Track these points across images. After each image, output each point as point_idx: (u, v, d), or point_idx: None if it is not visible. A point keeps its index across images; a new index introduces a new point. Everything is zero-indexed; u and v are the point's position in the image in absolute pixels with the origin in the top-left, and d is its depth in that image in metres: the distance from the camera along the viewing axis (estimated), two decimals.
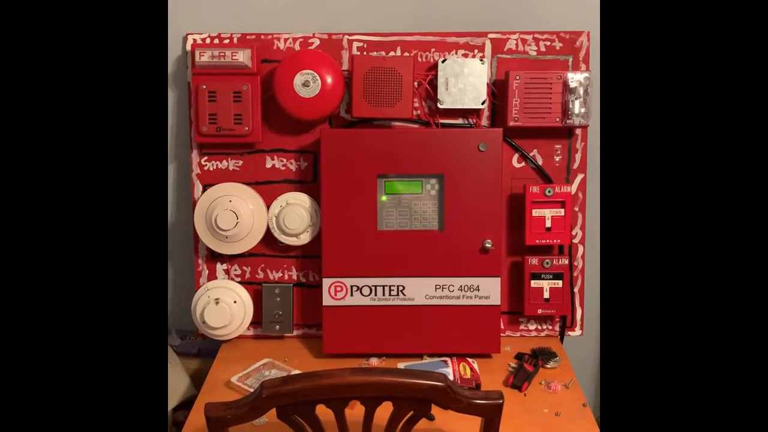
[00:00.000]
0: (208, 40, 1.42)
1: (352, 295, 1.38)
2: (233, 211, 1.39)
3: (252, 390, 1.16)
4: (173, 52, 1.46)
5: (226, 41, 1.42)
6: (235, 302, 1.43)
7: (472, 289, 1.38)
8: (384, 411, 0.97)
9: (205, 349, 1.54)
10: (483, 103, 1.39)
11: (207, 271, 1.49)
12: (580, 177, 1.45)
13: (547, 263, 1.42)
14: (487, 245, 1.36)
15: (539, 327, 1.49)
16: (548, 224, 1.40)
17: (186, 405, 1.44)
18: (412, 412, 0.98)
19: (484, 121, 1.44)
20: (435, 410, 1.09)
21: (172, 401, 1.43)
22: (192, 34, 1.43)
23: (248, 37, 1.42)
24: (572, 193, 1.43)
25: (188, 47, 1.42)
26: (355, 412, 0.99)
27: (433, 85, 1.40)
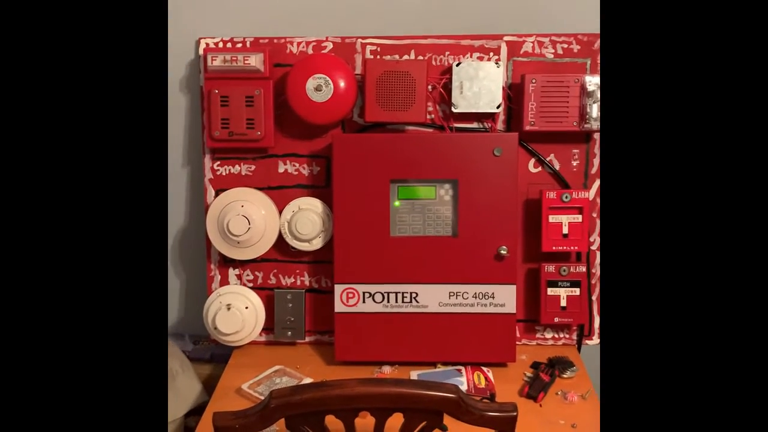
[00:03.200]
0: (220, 45, 1.41)
1: (364, 301, 1.36)
2: (245, 217, 1.38)
3: (262, 398, 1.15)
4: (186, 56, 1.45)
5: (239, 45, 1.41)
6: (246, 308, 1.42)
7: (486, 297, 1.35)
8: (396, 421, 0.96)
9: (218, 355, 1.54)
10: (498, 107, 1.36)
11: (219, 277, 1.48)
12: (598, 182, 1.41)
13: (564, 270, 1.39)
14: (502, 252, 1.33)
15: (556, 335, 1.46)
16: (565, 231, 1.37)
17: (198, 411, 1.43)
18: (423, 424, 0.96)
19: (500, 126, 1.41)
20: (449, 420, 1.07)
21: (184, 407, 1.42)
22: (205, 38, 1.42)
23: (261, 41, 1.41)
24: (590, 198, 1.39)
25: (201, 51, 1.42)
26: (366, 421, 0.98)
27: (448, 88, 1.38)
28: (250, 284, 1.47)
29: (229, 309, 1.40)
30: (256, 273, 1.47)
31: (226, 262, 1.47)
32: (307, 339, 1.48)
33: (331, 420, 0.95)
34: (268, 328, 1.47)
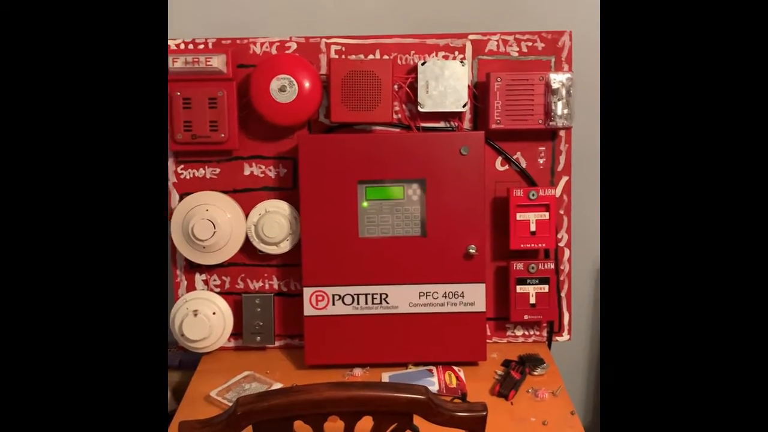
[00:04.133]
0: (182, 46, 1.38)
1: (333, 304, 1.35)
2: (210, 221, 1.35)
3: (231, 404, 1.13)
4: None
5: (201, 46, 1.38)
6: (214, 314, 1.39)
7: (456, 296, 1.35)
8: (366, 424, 0.94)
9: (187, 361, 1.51)
10: (464, 106, 1.36)
11: (186, 282, 1.45)
12: (564, 179, 1.42)
13: (533, 268, 1.39)
14: (470, 251, 1.33)
15: (526, 333, 1.46)
16: (533, 228, 1.38)
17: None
18: (394, 426, 0.95)
19: (466, 124, 1.41)
20: (419, 422, 1.07)
21: None
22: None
23: (224, 41, 1.38)
24: (557, 195, 1.40)
25: None
26: (336, 425, 0.97)
27: (414, 88, 1.37)
28: (218, 289, 1.45)
29: (196, 315, 1.37)
30: (224, 278, 1.45)
31: (192, 268, 1.44)
32: (277, 343, 1.46)
33: (300, 425, 0.94)
34: (236, 334, 1.45)
